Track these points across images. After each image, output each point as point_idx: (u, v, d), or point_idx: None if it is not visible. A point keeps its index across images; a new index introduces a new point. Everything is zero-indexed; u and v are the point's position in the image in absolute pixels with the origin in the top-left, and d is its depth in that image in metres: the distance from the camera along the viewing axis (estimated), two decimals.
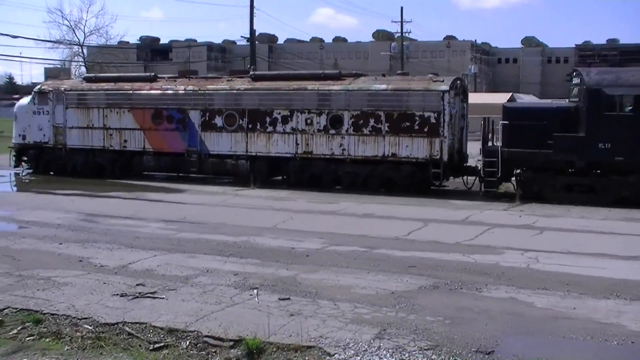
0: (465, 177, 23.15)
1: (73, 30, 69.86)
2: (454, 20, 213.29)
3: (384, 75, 24.64)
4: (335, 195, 22.06)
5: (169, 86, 25.73)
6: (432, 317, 9.31)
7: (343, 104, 22.90)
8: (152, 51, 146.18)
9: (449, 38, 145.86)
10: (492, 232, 16.00)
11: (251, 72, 25.63)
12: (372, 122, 22.52)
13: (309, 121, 23.38)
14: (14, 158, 28.98)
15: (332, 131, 23.08)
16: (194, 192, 22.90)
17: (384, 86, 22.50)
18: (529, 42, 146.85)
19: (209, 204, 20.34)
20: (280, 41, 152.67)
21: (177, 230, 15.75)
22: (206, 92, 24.90)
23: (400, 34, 78.73)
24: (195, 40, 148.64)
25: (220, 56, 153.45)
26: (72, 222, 16.71)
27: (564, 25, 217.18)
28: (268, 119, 23.93)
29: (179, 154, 25.52)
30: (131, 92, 26.18)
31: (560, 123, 20.66)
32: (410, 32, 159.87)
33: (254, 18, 44.39)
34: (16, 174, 28.32)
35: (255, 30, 46.21)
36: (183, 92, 25.33)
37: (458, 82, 22.93)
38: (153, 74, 27.38)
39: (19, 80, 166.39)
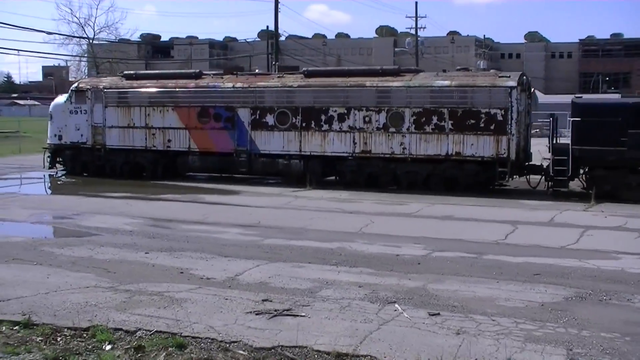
0: (528, 176, 22.30)
1: (82, 27, 68.70)
2: (452, 15, 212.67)
3: (444, 71, 23.70)
4: (398, 195, 21.23)
5: (216, 83, 24.80)
6: (607, 334, 8.51)
7: (404, 101, 22.04)
8: (153, 49, 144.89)
9: (453, 33, 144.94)
10: (592, 235, 15.22)
11: (304, 69, 24.67)
12: (435, 119, 21.66)
13: (367, 119, 22.50)
14: (48, 159, 27.99)
15: (392, 129, 22.21)
16: (249, 193, 22.01)
17: (447, 82, 21.63)
18: (532, 37, 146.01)
19: (274, 206, 19.46)
20: (282, 38, 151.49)
21: (261, 237, 14.85)
22: (257, 89, 23.98)
23: (415, 29, 77.76)
24: (197, 38, 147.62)
25: (222, 53, 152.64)
26: (143, 229, 15.80)
27: (567, 20, 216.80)
28: (323, 117, 23.03)
29: (226, 154, 24.60)
30: (176, 89, 25.24)
31: (635, 119, 19.86)
32: (425, 27, 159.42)
33: (278, 13, 43.38)
34: (50, 176, 27.32)
35: (276, 26, 45.17)
36: (232, 89, 24.40)
37: (524, 77, 22.09)
38: (198, 70, 26.42)
39: (16, 79, 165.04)
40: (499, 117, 20.91)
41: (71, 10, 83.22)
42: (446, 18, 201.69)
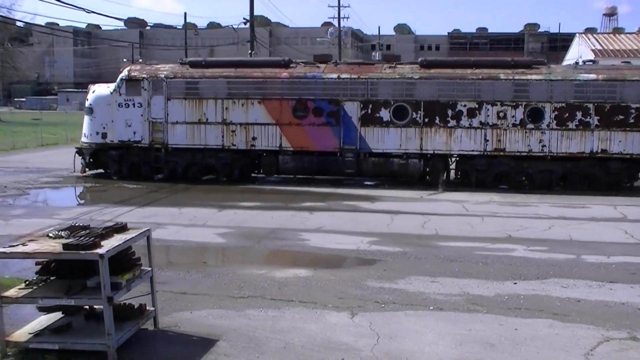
0: None
1: None
2: (323, 6, 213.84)
3: (576, 63, 22.47)
4: (543, 196, 19.86)
5: (315, 73, 21.85)
6: None
7: (544, 95, 20.58)
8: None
9: (327, 24, 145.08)
10: None
11: (421, 59, 22.36)
12: (579, 115, 20.42)
13: (501, 114, 20.81)
14: (82, 161, 23.55)
15: (530, 126, 20.70)
16: (386, 198, 19.54)
17: (592, 76, 20.44)
18: (401, 29, 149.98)
19: (449, 213, 17.26)
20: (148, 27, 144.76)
21: (552, 252, 12.86)
22: (369, 80, 21.40)
23: (337, 19, 76.17)
24: (58, 25, 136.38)
25: (87, 42, 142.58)
26: (364, 247, 13.22)
27: (434, 14, 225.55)
28: (450, 112, 21.02)
29: (328, 153, 21.85)
30: (263, 80, 21.97)
31: None
32: (348, 17, 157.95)
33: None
34: (77, 177, 22.91)
35: (251, 12, 41.82)
36: (336, 80, 21.61)
37: None
38: (287, 58, 23.19)
39: None
40: None
41: None
42: (320, 9, 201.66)
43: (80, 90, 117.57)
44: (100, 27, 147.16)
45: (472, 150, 21.02)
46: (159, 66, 23.29)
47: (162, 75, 22.52)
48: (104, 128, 22.95)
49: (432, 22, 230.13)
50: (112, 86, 23.23)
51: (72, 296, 7.44)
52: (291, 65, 22.39)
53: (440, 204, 18.65)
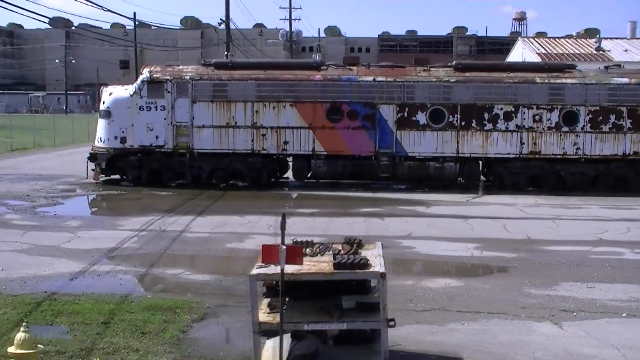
0: None
1: None
2: (259, 8, 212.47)
3: (606, 68, 22.92)
4: (582, 197, 20.23)
5: (350, 76, 21.46)
6: None
7: (579, 98, 20.95)
8: None
9: (259, 26, 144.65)
10: None
11: (455, 62, 22.29)
12: (612, 118, 20.91)
13: (537, 117, 21.05)
14: (95, 167, 22.34)
15: (565, 128, 21.03)
16: (435, 202, 19.40)
17: (625, 80, 20.97)
18: (332, 31, 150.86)
19: (517, 217, 17.29)
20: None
21: None
22: (405, 83, 21.20)
23: (289, 21, 75.61)
24: None
25: (9, 41, 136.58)
26: (476, 253, 13.10)
27: (364, 17, 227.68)
28: (486, 115, 21.10)
29: (362, 157, 21.52)
30: (295, 82, 21.41)
31: None
32: (300, 19, 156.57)
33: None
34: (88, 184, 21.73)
35: (227, 14, 40.90)
36: (371, 82, 21.30)
37: None
38: (319, 60, 22.66)
39: None
40: None
41: None
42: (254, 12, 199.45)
43: (4, 92, 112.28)
44: (23, 27, 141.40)
45: (508, 153, 21.17)
46: (182, 67, 22.38)
47: (187, 77, 21.61)
48: (123, 132, 21.81)
49: (362, 25, 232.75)
50: (130, 88, 22.14)
51: (344, 320, 6.88)
52: (322, 67, 21.92)
53: (495, 207, 18.65)
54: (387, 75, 21.39)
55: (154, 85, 21.61)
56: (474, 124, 21.07)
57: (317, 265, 6.91)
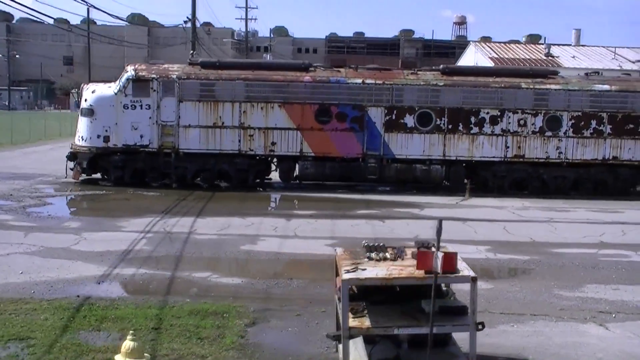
0: None
1: None
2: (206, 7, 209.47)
3: (586, 74, 23.51)
4: (567, 200, 20.81)
5: (339, 78, 21.47)
6: None
7: (562, 104, 21.50)
8: None
9: (207, 25, 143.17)
10: None
11: (442, 65, 22.50)
12: (594, 123, 21.54)
13: (522, 122, 21.51)
14: (76, 166, 21.76)
15: (549, 133, 21.56)
16: (426, 205, 19.59)
17: (607, 87, 21.60)
18: (279, 31, 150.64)
19: (512, 219, 17.64)
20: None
21: None
22: (394, 86, 21.35)
23: (245, 20, 74.98)
24: None
25: None
26: (490, 255, 13.37)
27: (312, 17, 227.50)
28: (473, 119, 21.44)
29: (350, 159, 21.58)
30: (285, 83, 21.30)
31: None
32: (256, 18, 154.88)
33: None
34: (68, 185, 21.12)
35: (193, 12, 40.33)
36: (360, 85, 21.37)
37: None
38: (306, 61, 22.51)
39: None
40: None
41: None
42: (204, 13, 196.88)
43: None
44: None
45: (494, 157, 21.55)
46: (167, 66, 21.97)
47: (174, 76, 21.25)
48: (106, 131, 21.29)
49: (309, 26, 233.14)
50: (113, 86, 21.62)
51: (433, 324, 6.87)
52: (310, 68, 21.87)
53: (486, 210, 18.96)
54: (375, 77, 21.50)
55: (139, 84, 21.17)
56: (460, 128, 21.38)
57: (405, 269, 6.90)
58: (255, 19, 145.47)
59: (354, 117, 21.33)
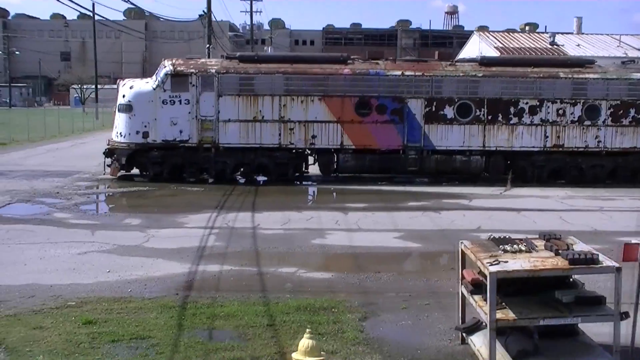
0: None
1: None
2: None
3: (623, 62, 23.56)
4: (608, 189, 20.88)
5: (378, 70, 21.44)
6: None
7: (601, 93, 21.53)
8: None
9: (203, 17, 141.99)
10: None
11: (480, 57, 22.51)
12: (632, 112, 21.59)
13: (560, 112, 21.53)
14: (114, 163, 21.67)
15: (587, 122, 21.59)
16: (472, 196, 19.59)
17: None
18: (276, 24, 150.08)
19: (561, 209, 17.65)
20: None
21: None
22: (433, 77, 21.33)
23: (250, 13, 74.68)
24: None
25: None
26: None
27: (308, 9, 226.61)
28: (512, 110, 21.45)
29: (390, 151, 21.57)
30: (324, 76, 21.25)
31: None
32: (261, 11, 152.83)
33: None
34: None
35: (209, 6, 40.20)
36: (400, 77, 21.35)
37: None
38: (345, 54, 22.45)
39: None
40: None
41: None
42: (188, 3, 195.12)
43: None
44: None
45: (533, 147, 21.58)
46: (205, 60, 21.99)
47: (213, 70, 21.16)
48: (145, 127, 21.21)
49: (306, 17, 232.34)
50: (151, 81, 21.53)
51: (578, 314, 6.90)
52: (348, 61, 21.82)
53: (533, 200, 18.99)
54: (415, 69, 21.47)
55: (178, 79, 21.07)
56: (500, 118, 21.39)
57: (547, 261, 6.92)
58: (260, 12, 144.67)
59: (394, 109, 21.31)
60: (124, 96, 21.51)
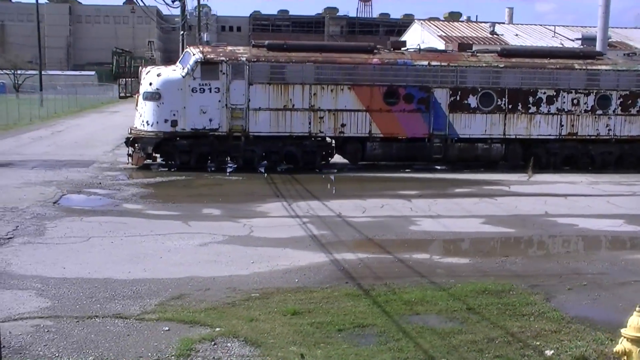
0: None
1: None
2: None
3: (627, 54, 24.81)
4: (622, 175, 22.16)
5: (406, 60, 21.90)
6: None
7: (612, 84, 22.78)
8: None
9: (131, 3, 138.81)
10: None
11: (500, 47, 23.23)
12: (639, 102, 22.97)
13: (575, 101, 22.65)
14: (139, 151, 21.26)
15: (599, 111, 22.81)
16: (504, 182, 20.39)
17: None
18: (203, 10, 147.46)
19: (598, 194, 18.68)
20: None
21: None
22: (458, 67, 21.99)
23: None
24: None
25: None
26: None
27: None
28: (531, 99, 22.40)
29: (416, 139, 22.12)
30: (353, 65, 21.53)
31: None
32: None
33: None
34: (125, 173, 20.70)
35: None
36: (426, 67, 21.89)
37: None
38: (372, 43, 22.69)
39: None
40: None
41: None
42: None
43: None
44: None
45: (549, 135, 22.62)
46: (233, 48, 21.77)
47: (244, 58, 21.06)
48: (174, 115, 20.89)
49: (232, 3, 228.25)
50: (178, 69, 21.19)
51: None
52: (375, 51, 22.17)
53: (562, 185, 20.01)
54: (440, 59, 22.07)
55: (208, 67, 20.85)
56: (519, 107, 22.29)
57: None
58: None
59: (421, 98, 21.84)
60: (150, 84, 21.09)
